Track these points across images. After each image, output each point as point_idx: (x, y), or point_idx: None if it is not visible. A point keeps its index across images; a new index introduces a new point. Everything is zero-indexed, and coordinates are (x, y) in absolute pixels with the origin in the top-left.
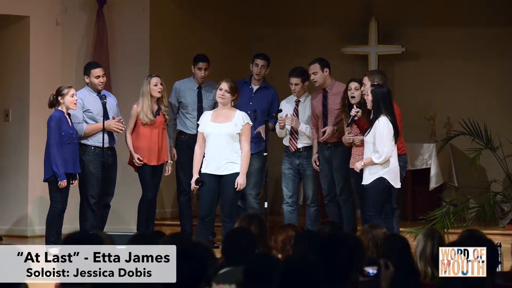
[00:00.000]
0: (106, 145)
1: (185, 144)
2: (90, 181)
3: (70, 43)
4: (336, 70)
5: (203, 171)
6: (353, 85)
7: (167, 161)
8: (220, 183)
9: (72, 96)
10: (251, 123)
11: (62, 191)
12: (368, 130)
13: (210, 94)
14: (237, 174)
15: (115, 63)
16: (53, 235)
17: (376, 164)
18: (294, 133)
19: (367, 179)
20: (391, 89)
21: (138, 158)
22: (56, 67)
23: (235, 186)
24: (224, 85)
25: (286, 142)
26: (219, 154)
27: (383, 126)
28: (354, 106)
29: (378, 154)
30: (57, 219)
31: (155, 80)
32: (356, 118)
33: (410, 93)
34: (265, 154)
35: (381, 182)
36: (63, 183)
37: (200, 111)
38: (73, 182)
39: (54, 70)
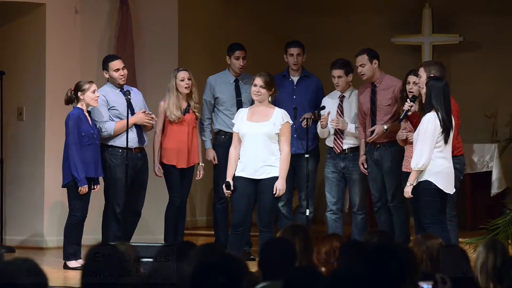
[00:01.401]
0: (135, 145)
1: (225, 145)
2: (117, 187)
3: (91, 34)
4: (385, 62)
5: (237, 174)
6: (412, 79)
7: (199, 164)
8: (257, 188)
9: (94, 92)
10: (291, 121)
11: (82, 198)
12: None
13: (248, 86)
14: (275, 178)
15: (141, 55)
16: (72, 247)
17: (417, 171)
18: (339, 132)
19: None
20: (445, 83)
21: (158, 169)
22: (75, 61)
23: (274, 192)
24: (258, 80)
25: (329, 143)
26: (255, 156)
27: (427, 122)
28: (408, 100)
29: (415, 159)
30: (77, 228)
31: (182, 74)
32: (409, 113)
33: (468, 88)
34: (306, 156)
35: (427, 185)
36: (83, 188)
37: (239, 106)
38: (95, 187)
39: (72, 63)
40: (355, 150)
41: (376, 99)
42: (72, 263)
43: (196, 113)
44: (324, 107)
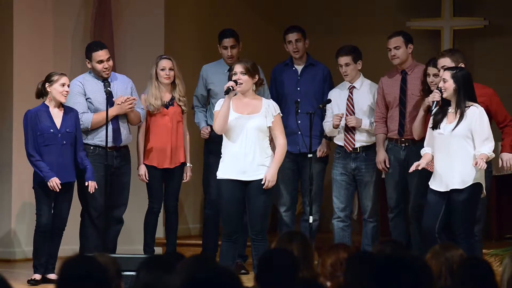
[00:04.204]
0: (109, 144)
1: (218, 142)
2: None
3: (64, 17)
4: None
5: (221, 177)
6: (432, 71)
7: (186, 164)
8: (247, 192)
9: (63, 86)
10: (281, 114)
11: (47, 202)
12: (456, 123)
13: None
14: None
15: (121, 41)
16: (38, 259)
17: (488, 156)
18: (350, 128)
19: (458, 183)
20: (469, 71)
21: (144, 173)
22: (46, 47)
23: (263, 182)
24: (238, 67)
25: (339, 141)
26: (244, 155)
27: (482, 114)
28: (437, 91)
29: (489, 144)
30: (42, 238)
31: (163, 63)
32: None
33: (494, 77)
34: (310, 155)
35: (479, 189)
36: (52, 182)
37: None
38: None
39: (44, 50)
40: (368, 149)
41: (406, 88)
42: (36, 277)
43: (182, 107)
44: (330, 101)
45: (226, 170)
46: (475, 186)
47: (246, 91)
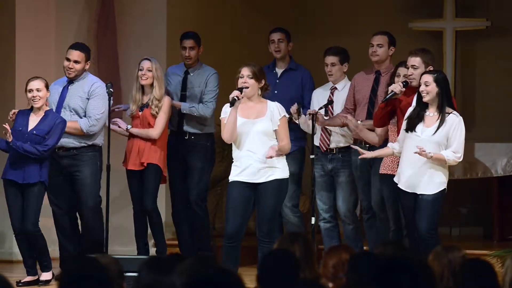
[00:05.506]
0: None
1: (171, 145)
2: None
3: (67, 18)
4: (402, 50)
5: (233, 178)
6: (403, 71)
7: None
8: (256, 193)
9: (30, 92)
10: (287, 115)
11: (14, 204)
12: (436, 128)
13: (198, 81)
14: (277, 180)
15: (124, 42)
16: (24, 261)
17: (447, 163)
18: (327, 129)
19: (429, 189)
20: (471, 73)
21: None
22: (48, 50)
23: (266, 156)
24: (245, 70)
25: (316, 140)
26: (253, 158)
27: (459, 123)
28: (400, 83)
29: (458, 153)
30: (17, 240)
31: (142, 63)
32: (396, 96)
33: (496, 78)
34: (312, 156)
35: (444, 194)
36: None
37: (183, 102)
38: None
39: (46, 53)
40: (344, 150)
41: (377, 89)
42: (27, 278)
43: (151, 111)
44: (332, 101)
45: (238, 172)
46: (442, 193)
47: (252, 95)
